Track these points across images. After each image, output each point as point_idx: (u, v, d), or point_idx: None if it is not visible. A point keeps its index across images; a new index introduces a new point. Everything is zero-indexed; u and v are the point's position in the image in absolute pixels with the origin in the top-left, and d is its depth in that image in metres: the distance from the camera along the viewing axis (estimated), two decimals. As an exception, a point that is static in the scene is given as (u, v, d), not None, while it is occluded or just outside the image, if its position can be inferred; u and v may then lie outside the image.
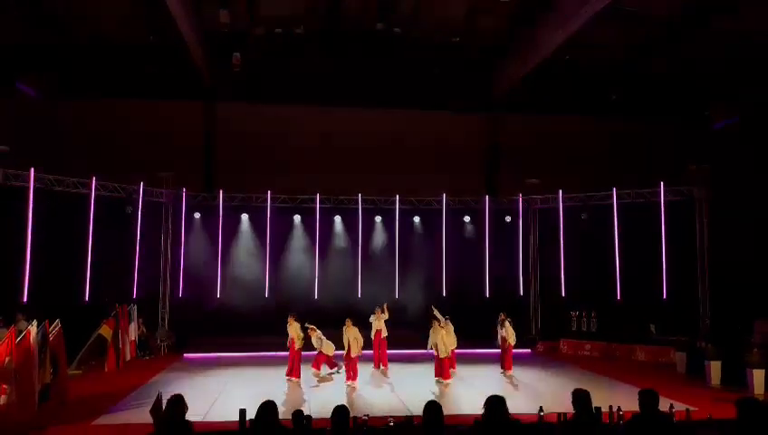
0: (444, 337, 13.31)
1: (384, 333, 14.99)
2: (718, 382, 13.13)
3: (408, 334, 16.64)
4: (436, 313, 13.93)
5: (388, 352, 15.19)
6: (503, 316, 14.62)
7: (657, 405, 5.34)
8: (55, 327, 10.97)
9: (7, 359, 9.12)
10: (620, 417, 7.51)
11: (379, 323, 14.97)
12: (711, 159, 17.34)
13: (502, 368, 14.31)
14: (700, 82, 18.67)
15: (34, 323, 10.15)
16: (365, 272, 19.09)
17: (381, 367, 14.82)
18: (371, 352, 14.92)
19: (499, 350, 14.69)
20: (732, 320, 15.70)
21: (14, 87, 16.69)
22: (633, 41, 17.30)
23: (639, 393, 5.40)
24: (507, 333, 14.34)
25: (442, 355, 13.21)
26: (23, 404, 9.33)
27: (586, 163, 19.73)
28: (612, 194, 18.25)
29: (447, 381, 13.07)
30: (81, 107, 18.75)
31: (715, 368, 13.28)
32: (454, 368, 14.27)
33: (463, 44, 18.46)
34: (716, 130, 18.72)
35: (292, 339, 13.39)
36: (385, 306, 15.11)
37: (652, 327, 17.44)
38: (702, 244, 17.28)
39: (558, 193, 19.02)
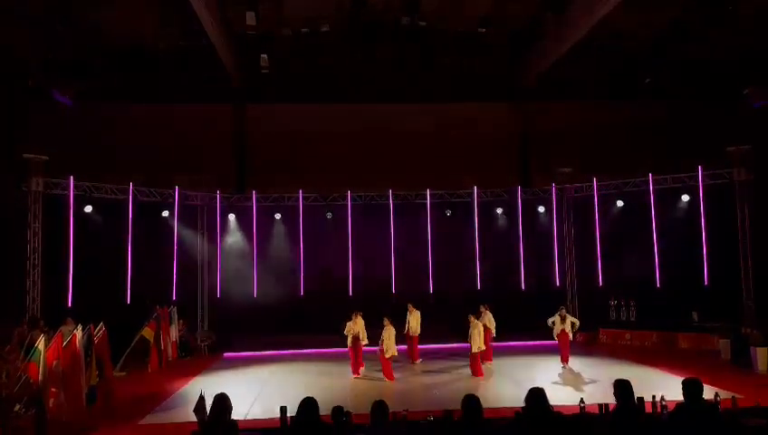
0: (479, 332, 13.20)
1: (415, 332, 15.10)
2: (765, 369, 12.80)
3: (443, 329, 16.62)
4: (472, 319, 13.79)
5: (422, 347, 15.28)
6: (564, 311, 14.31)
7: (702, 394, 5.24)
8: (100, 330, 11.26)
9: (55, 362, 9.40)
10: (664, 407, 7.38)
11: (412, 319, 15.06)
12: (751, 140, 16.83)
13: (564, 361, 13.94)
14: (737, 61, 18.13)
15: (80, 326, 10.44)
16: (398, 267, 19.10)
17: (415, 361, 14.88)
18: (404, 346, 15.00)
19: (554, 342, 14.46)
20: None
21: (49, 96, 17.12)
22: (666, 21, 16.87)
23: (683, 382, 5.31)
24: (567, 326, 14.04)
25: (474, 350, 13.11)
26: (71, 406, 9.61)
27: (620, 149, 19.36)
28: (648, 180, 17.88)
29: (479, 377, 13.00)
30: (115, 113, 19.15)
31: (762, 354, 12.93)
32: (490, 360, 14.23)
33: (490, 34, 18.25)
34: (756, 110, 18.13)
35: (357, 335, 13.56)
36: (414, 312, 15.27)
37: (694, 314, 17.07)
38: (743, 227, 16.83)
39: (592, 181, 18.73)
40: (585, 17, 15.42)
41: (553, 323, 14.16)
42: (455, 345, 16.04)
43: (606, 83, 19.74)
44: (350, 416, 7.02)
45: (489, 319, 14.52)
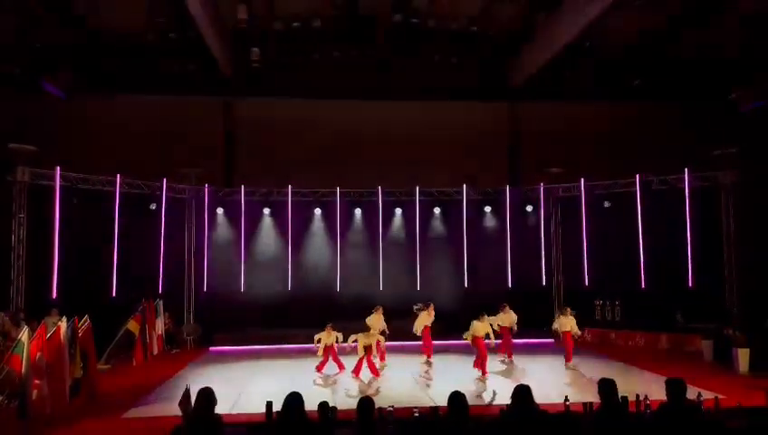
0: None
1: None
2: (746, 370, 12.95)
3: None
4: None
5: (411, 343, 15.28)
6: (569, 311, 14.41)
7: (685, 394, 5.31)
8: (84, 323, 11.17)
9: (39, 354, 9.33)
10: (647, 406, 7.45)
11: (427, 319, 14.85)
12: (738, 143, 16.95)
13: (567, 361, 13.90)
14: (725, 64, 18.29)
15: (64, 318, 10.36)
16: (386, 264, 19.11)
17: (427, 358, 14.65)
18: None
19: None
20: (761, 306, 15.42)
21: (39, 87, 16.95)
22: (655, 24, 16.99)
23: (666, 382, 5.37)
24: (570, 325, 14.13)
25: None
26: (54, 399, 9.54)
27: (609, 150, 19.50)
28: (636, 181, 18.00)
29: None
30: (104, 105, 19.02)
31: (743, 355, 13.09)
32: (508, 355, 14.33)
33: (481, 33, 18.31)
34: (744, 114, 18.28)
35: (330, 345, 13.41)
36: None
37: (678, 315, 17.23)
38: (728, 229, 16.99)
39: (580, 181, 18.83)
40: (575, 18, 15.49)
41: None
42: (442, 343, 16.02)
43: (595, 84, 19.86)
44: (336, 412, 7.03)
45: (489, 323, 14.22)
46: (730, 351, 13.46)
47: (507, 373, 13.28)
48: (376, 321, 14.20)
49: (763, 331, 13.48)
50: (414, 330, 14.71)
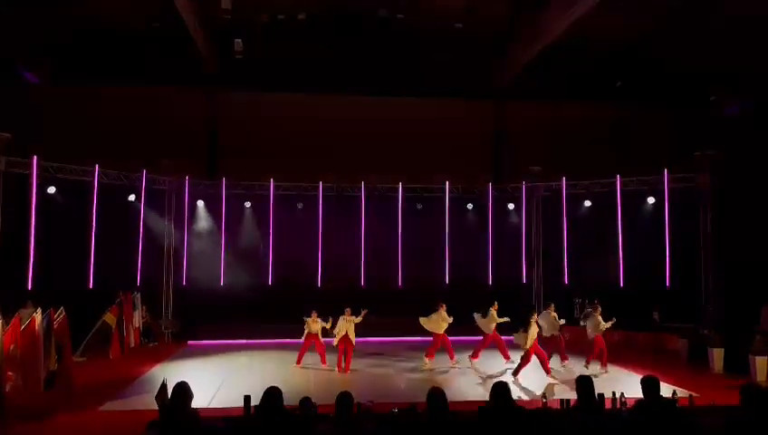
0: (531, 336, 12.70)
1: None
2: (721, 369, 13.16)
3: (410, 322, 16.66)
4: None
5: (393, 339, 15.24)
6: (599, 310, 13.87)
7: (659, 391, 5.39)
8: (60, 315, 11.02)
9: (12, 346, 9.19)
10: (623, 404, 7.53)
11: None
12: (720, 146, 17.13)
13: (603, 365, 13.30)
14: (708, 66, 18.47)
15: (39, 310, 10.21)
16: (368, 260, 19.08)
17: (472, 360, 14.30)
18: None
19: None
20: (737, 307, 15.66)
21: (16, 73, 16.64)
22: (639, 25, 17.12)
23: (642, 380, 5.44)
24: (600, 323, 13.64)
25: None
26: (28, 391, 9.42)
27: (590, 150, 19.64)
28: (616, 181, 18.17)
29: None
30: (84, 93, 18.73)
31: (718, 355, 13.31)
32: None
33: (466, 30, 18.32)
34: (725, 116, 18.50)
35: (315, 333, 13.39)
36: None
37: (655, 314, 17.44)
38: (706, 231, 17.22)
39: (561, 180, 18.95)
40: (560, 19, 15.58)
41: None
42: (419, 338, 16.02)
43: (579, 85, 19.98)
44: (315, 407, 6.99)
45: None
46: (705, 350, 13.66)
47: (491, 370, 13.32)
48: (440, 318, 13.81)
49: (737, 331, 13.67)
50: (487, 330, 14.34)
